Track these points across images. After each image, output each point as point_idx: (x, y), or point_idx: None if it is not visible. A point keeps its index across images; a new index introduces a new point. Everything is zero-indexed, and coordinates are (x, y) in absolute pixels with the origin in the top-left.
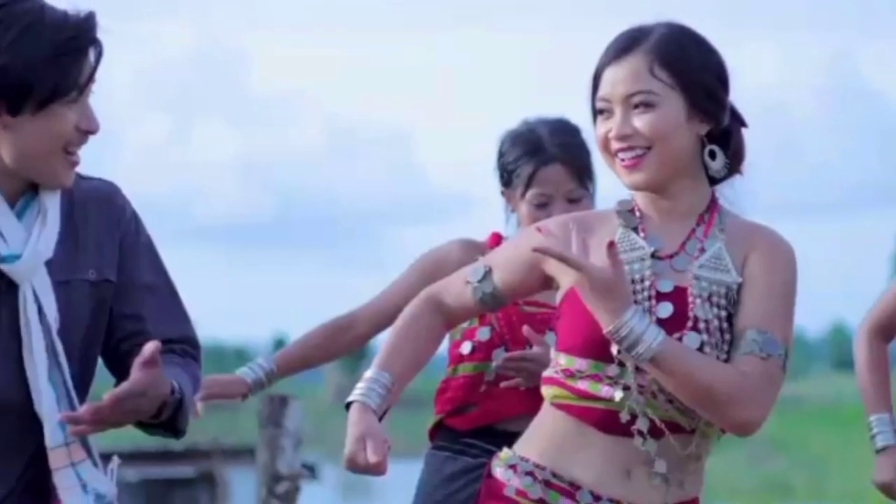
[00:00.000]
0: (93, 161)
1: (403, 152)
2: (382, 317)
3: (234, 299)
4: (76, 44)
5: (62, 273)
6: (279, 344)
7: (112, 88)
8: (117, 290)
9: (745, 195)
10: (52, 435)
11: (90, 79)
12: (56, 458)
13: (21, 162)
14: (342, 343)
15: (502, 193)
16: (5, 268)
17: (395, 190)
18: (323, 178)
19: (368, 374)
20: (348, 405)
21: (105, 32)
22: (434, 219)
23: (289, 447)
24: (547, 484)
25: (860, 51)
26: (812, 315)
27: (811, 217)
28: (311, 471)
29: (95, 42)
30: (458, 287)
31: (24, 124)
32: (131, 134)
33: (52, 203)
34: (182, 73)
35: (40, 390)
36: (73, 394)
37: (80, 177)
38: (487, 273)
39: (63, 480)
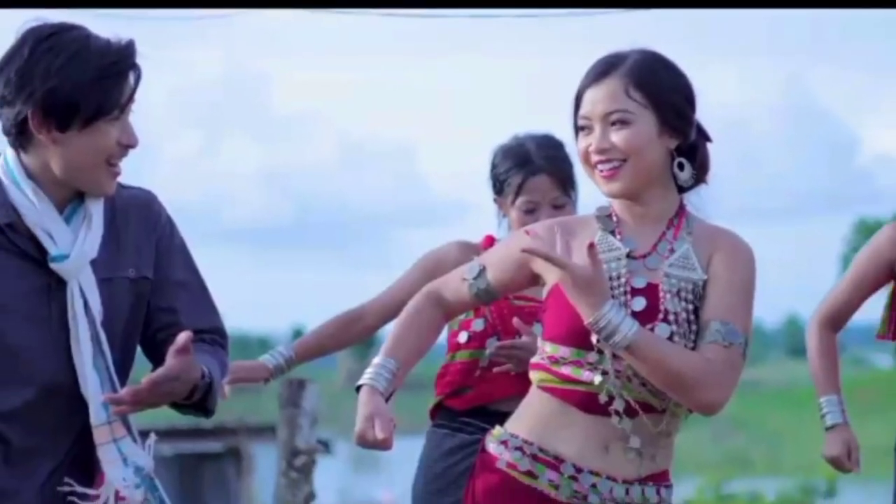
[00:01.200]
0: (132, 172)
1: (407, 164)
2: (388, 310)
3: (258, 294)
4: (118, 68)
5: (105, 271)
6: (297, 334)
7: (149, 107)
8: (154, 287)
9: (710, 202)
10: (97, 414)
11: (130, 99)
12: (100, 435)
13: (69, 173)
14: (353, 333)
15: (495, 201)
16: (55, 266)
17: (400, 197)
18: (335, 186)
19: (376, 360)
20: (358, 388)
21: (143, 58)
22: (434, 223)
23: (306, 425)
24: (534, 458)
25: (811, 74)
26: (769, 308)
27: (768, 221)
28: (325, 446)
29: (135, 67)
30: (456, 283)
31: (71, 139)
32: (167, 148)
33: (96, 209)
34: (211, 94)
35: (86, 375)
36: (115, 378)
37: (121, 186)
38: (482, 271)
39: (106, 454)
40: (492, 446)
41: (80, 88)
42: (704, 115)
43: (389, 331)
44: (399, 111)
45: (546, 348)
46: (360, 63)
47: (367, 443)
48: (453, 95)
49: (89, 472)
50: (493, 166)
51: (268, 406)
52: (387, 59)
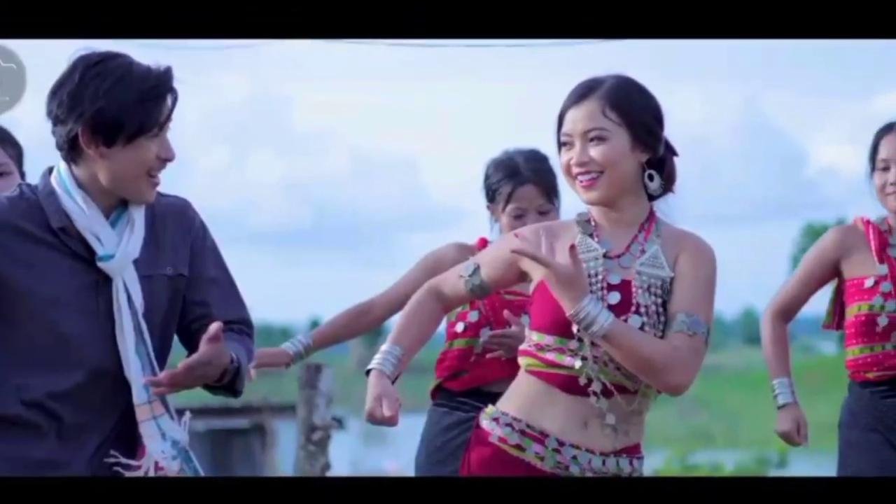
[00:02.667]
0: (170, 182)
1: (411, 175)
2: (394, 303)
3: (280, 290)
4: (157, 91)
5: (146, 269)
6: (314, 324)
7: (184, 126)
8: (189, 283)
9: (676, 209)
10: (138, 394)
11: (168, 118)
12: (141, 413)
13: (114, 183)
14: (363, 324)
15: (488, 207)
16: (102, 265)
17: (405, 205)
18: (348, 195)
19: (384, 347)
20: (368, 371)
21: (179, 82)
22: (434, 227)
23: (322, 404)
24: (522, 433)
25: (765, 97)
26: (728, 301)
27: (727, 226)
28: (339, 423)
29: (172, 90)
30: (454, 280)
31: (116, 154)
32: (200, 161)
33: (138, 215)
34: (239, 114)
35: (129, 360)
36: (155, 363)
37: (160, 194)
38: (476, 269)
39: (147, 430)
40: (485, 423)
41: (124, 109)
42: (671, 132)
43: (395, 321)
44: (404, 129)
45: (533, 337)
46: (370, 87)
47: (375, 420)
48: (452, 115)
49: (132, 445)
50: (486, 177)
51: (289, 387)
52: (394, 84)
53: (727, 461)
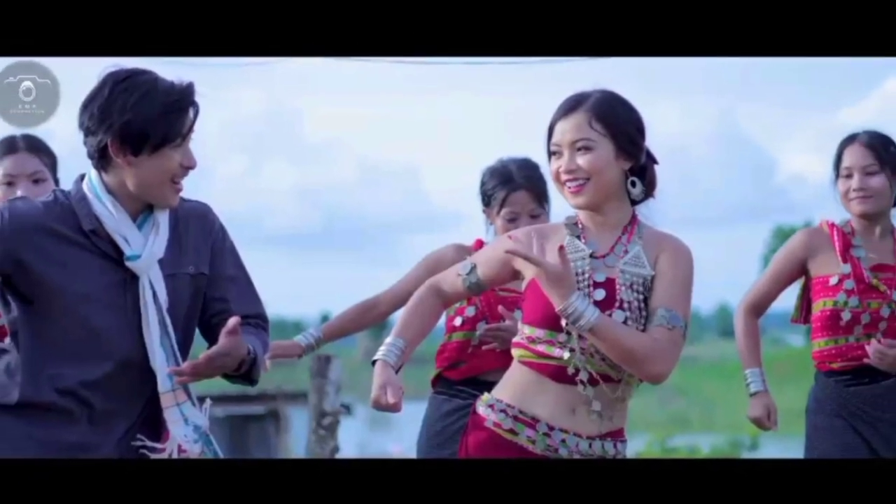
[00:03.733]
0: (192, 188)
1: (413, 182)
2: (398, 299)
3: (293, 287)
4: (180, 105)
5: (170, 268)
6: (324, 319)
7: (205, 136)
8: (209, 281)
9: (656, 212)
10: (163, 383)
11: (190, 129)
12: (165, 400)
13: (140, 189)
14: (369, 318)
15: (484, 211)
16: (130, 264)
17: (407, 209)
18: (355, 200)
19: (388, 339)
20: (374, 362)
21: (200, 97)
22: (435, 230)
23: (331, 392)
24: (515, 418)
25: (739, 109)
26: (704, 297)
27: (703, 228)
28: (347, 409)
29: (194, 103)
30: (452, 278)
31: (142, 162)
32: (219, 169)
33: (162, 218)
34: (255, 125)
35: (154, 351)
36: (178, 354)
37: (182, 199)
38: (473, 268)
39: (171, 416)
40: (481, 409)
41: (149, 121)
42: (652, 142)
43: (399, 316)
44: (406, 139)
45: (525, 330)
46: (375, 100)
47: (380, 406)
48: (450, 126)
49: (157, 430)
50: (482, 183)
51: (301, 377)
52: (397, 97)
53: (703, 444)
